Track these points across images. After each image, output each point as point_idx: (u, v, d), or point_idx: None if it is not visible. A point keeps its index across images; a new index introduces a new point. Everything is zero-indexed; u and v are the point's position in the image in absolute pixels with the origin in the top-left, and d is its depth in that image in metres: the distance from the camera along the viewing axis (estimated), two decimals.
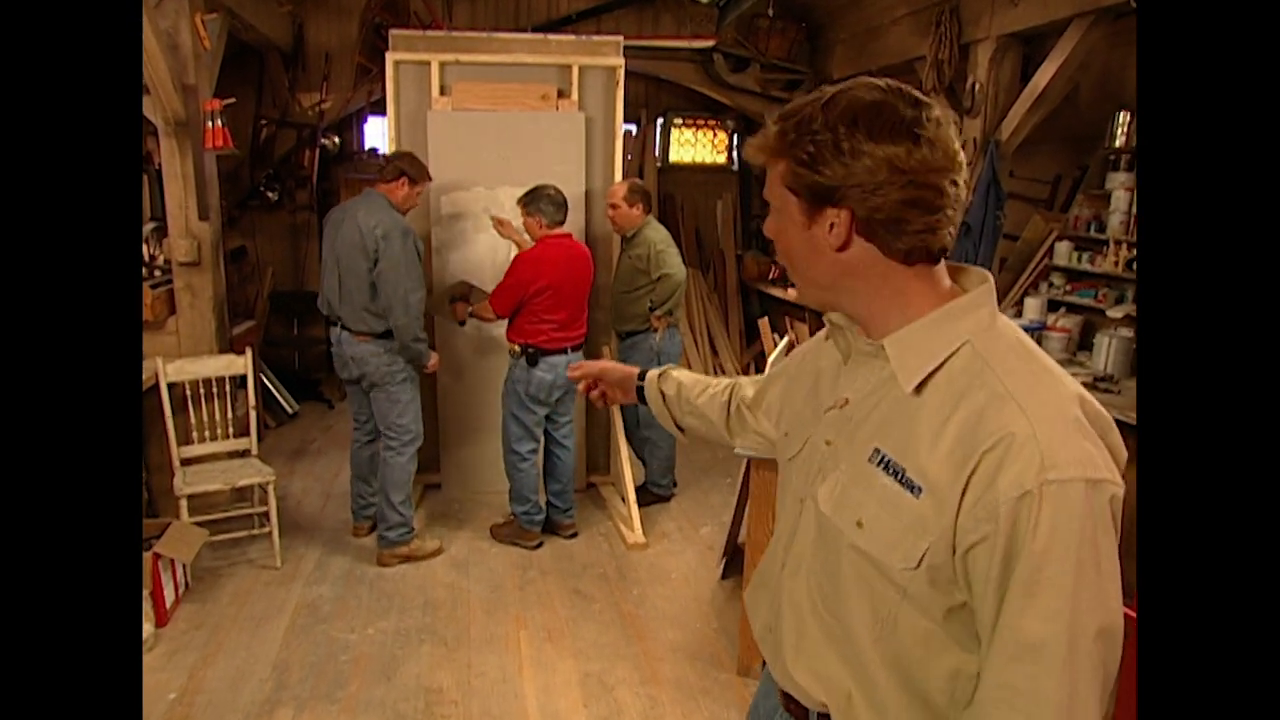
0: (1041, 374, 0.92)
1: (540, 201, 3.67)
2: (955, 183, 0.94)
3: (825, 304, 1.07)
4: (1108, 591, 0.85)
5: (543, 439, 3.96)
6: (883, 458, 0.97)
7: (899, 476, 0.94)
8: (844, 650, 1.03)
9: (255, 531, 3.73)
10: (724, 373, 6.83)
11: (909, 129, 0.91)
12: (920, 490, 0.91)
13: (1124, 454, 0.92)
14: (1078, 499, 0.83)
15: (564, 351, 3.78)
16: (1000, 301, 5.09)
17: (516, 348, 3.77)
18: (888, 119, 0.91)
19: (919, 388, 0.96)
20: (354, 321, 3.54)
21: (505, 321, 3.82)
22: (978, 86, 4.46)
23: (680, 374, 1.58)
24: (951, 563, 0.90)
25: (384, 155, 3.71)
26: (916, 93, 0.95)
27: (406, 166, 3.59)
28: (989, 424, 0.88)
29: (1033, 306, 4.55)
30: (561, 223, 3.73)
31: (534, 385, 3.74)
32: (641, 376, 1.62)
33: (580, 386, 1.68)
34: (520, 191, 3.76)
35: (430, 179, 3.71)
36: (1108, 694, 0.87)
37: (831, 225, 0.96)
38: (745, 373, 6.91)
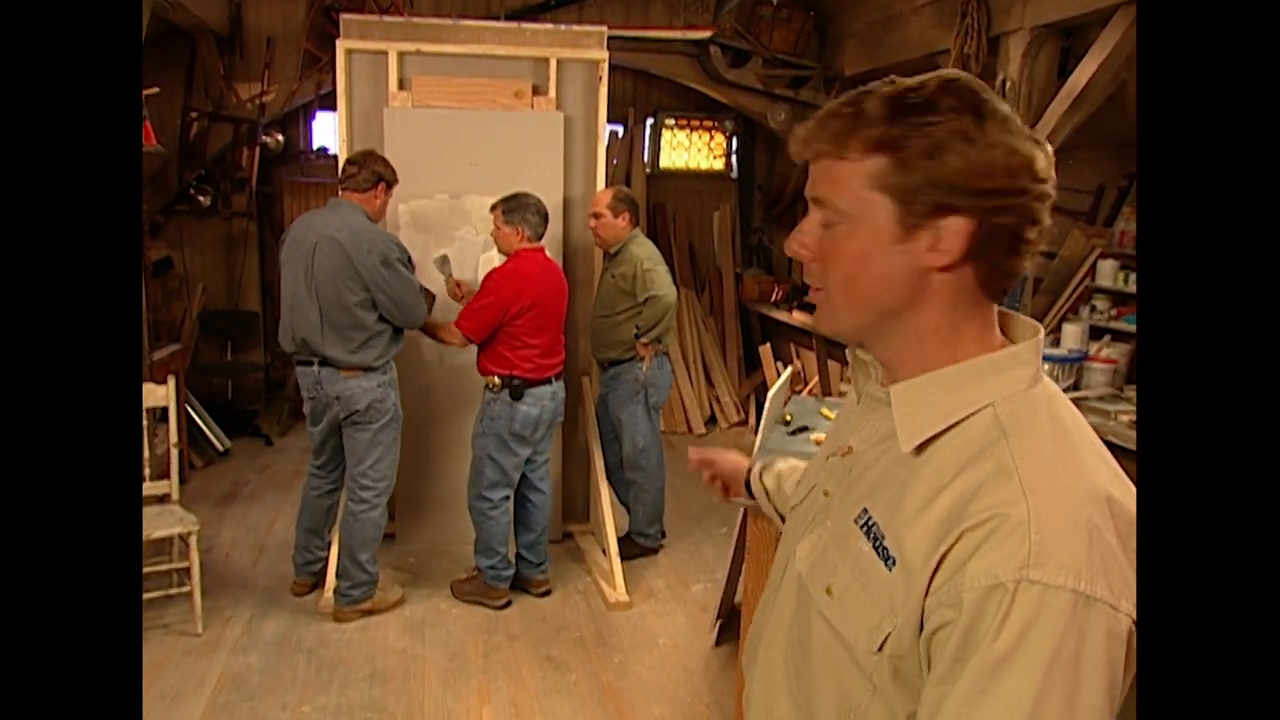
0: (1067, 458, 0.87)
1: (527, 211, 3.67)
2: None
3: (859, 335, 0.99)
4: None
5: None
6: (867, 520, 0.93)
7: (876, 544, 0.91)
8: None
9: (173, 591, 3.66)
10: (720, 405, 6.83)
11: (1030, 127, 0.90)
12: (894, 562, 0.88)
13: None
14: (1061, 611, 0.77)
15: (549, 382, 3.77)
16: None
17: (497, 380, 3.72)
18: (1010, 111, 0.89)
19: (921, 448, 0.92)
20: (344, 358, 3.53)
21: (473, 349, 3.79)
22: (1009, 84, 4.50)
23: (782, 463, 1.53)
24: (916, 652, 0.86)
25: (353, 157, 3.63)
26: None
27: (383, 170, 3.59)
28: (982, 500, 0.83)
29: (1072, 333, 4.53)
30: (542, 237, 3.74)
31: (519, 422, 3.71)
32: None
33: (705, 476, 1.62)
34: (489, 201, 3.75)
35: (397, 180, 3.71)
36: None
37: (936, 239, 0.89)
38: (744, 404, 6.91)
